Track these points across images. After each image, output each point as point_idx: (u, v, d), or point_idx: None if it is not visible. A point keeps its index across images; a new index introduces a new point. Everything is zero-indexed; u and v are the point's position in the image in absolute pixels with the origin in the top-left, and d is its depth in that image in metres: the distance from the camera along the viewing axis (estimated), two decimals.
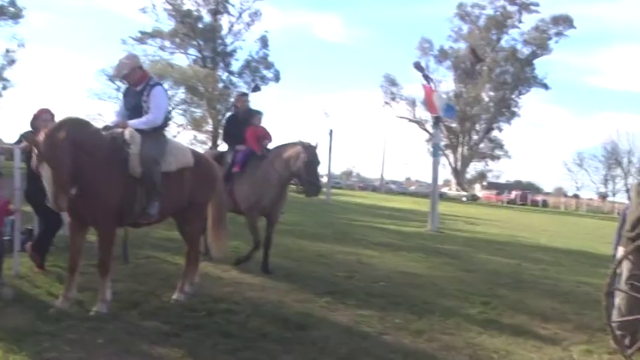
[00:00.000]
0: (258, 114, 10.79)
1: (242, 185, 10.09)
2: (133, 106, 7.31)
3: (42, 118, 8.57)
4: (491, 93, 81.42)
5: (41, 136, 6.20)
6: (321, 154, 10.18)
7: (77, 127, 6.50)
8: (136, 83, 7.37)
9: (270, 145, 10.52)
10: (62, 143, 6.12)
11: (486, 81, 79.57)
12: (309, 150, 9.78)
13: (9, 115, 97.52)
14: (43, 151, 6.08)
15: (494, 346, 6.93)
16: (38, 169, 6.14)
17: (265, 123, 10.90)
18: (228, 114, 11.90)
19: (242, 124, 10.58)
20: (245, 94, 11.30)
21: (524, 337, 7.41)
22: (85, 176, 6.29)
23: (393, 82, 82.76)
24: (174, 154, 7.37)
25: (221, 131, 70.14)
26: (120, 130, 6.98)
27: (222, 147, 12.56)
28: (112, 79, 60.53)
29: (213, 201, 8.18)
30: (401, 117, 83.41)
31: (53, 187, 6.04)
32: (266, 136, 10.62)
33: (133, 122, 7.10)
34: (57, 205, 6.10)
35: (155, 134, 7.21)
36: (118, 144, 6.81)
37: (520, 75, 79.32)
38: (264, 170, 10.03)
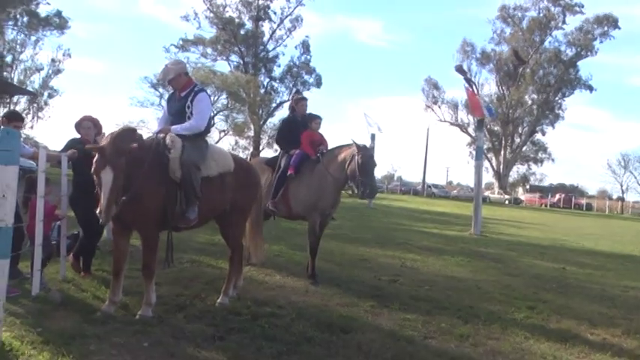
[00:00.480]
0: (317, 118, 10.50)
1: (297, 188, 9.88)
2: (177, 111, 7.36)
3: (83, 125, 8.70)
4: (535, 95, 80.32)
5: (106, 142, 6.28)
6: (377, 156, 9.96)
7: (130, 134, 6.59)
8: (181, 89, 7.41)
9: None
10: (124, 150, 6.20)
11: (529, 83, 78.56)
12: (365, 151, 9.53)
13: (55, 123, 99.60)
14: (108, 156, 6.13)
15: (542, 351, 6.79)
16: (99, 174, 6.16)
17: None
18: (283, 117, 11.54)
19: (299, 128, 10.30)
20: (304, 98, 10.90)
21: (571, 342, 7.23)
22: (130, 180, 6.34)
23: (434, 86, 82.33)
24: (215, 159, 7.40)
25: (263, 137, 70.30)
26: (162, 135, 7.04)
27: (265, 153, 12.49)
28: (154, 86, 61.40)
29: (252, 207, 8.21)
30: (443, 120, 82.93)
31: (110, 194, 6.09)
32: (322, 142, 10.34)
33: (175, 127, 7.15)
34: (107, 214, 6.12)
35: (196, 139, 7.25)
36: (160, 148, 6.87)
37: (564, 77, 78.11)
38: (319, 174, 9.80)
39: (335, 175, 9.68)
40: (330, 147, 10.24)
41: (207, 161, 7.24)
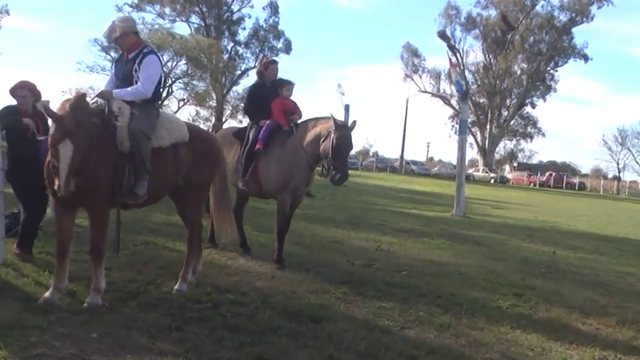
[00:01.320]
0: (288, 84, 10.27)
1: (267, 164, 9.71)
2: (124, 74, 7.24)
3: (18, 93, 8.49)
4: (524, 65, 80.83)
5: (64, 112, 6.18)
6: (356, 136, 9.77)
7: (85, 102, 6.48)
8: (129, 50, 7.30)
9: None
10: (82, 120, 6.13)
11: (519, 51, 78.93)
12: (342, 130, 9.23)
13: None
14: (66, 127, 6.05)
15: (529, 342, 6.86)
16: (57, 146, 6.04)
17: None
18: (251, 83, 11.28)
19: (268, 96, 10.12)
20: (274, 61, 10.69)
21: (561, 332, 7.32)
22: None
23: (414, 53, 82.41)
24: (167, 128, 7.32)
25: (226, 107, 70.14)
26: (103, 101, 6.94)
27: (229, 124, 12.35)
28: (105, 49, 60.58)
29: (215, 181, 8.16)
30: (423, 91, 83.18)
31: (69, 168, 6.03)
32: (295, 110, 10.18)
33: (118, 92, 7.03)
34: (66, 189, 6.04)
35: (146, 106, 7.15)
36: (106, 116, 6.79)
37: (556, 45, 78.58)
38: (291, 148, 9.66)
39: (309, 151, 9.56)
40: (304, 118, 10.12)
41: (158, 131, 7.16)
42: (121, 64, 7.39)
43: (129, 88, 7.07)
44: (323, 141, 9.37)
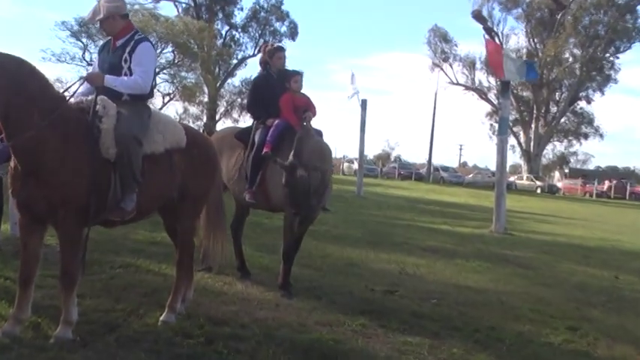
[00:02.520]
0: (295, 75, 10.27)
1: (277, 172, 9.58)
2: (110, 66, 7.23)
3: None
4: (577, 51, 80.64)
5: None
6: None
7: (18, 67, 6.36)
8: (117, 36, 7.30)
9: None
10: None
11: (570, 34, 78.76)
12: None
13: None
14: None
15: None
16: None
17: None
18: (255, 75, 11.22)
19: (276, 90, 10.11)
20: (281, 48, 10.70)
21: None
22: (41, 155, 6.27)
23: (444, 38, 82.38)
24: (161, 131, 7.31)
25: (220, 103, 70.25)
26: (89, 98, 6.92)
27: (222, 124, 12.36)
28: (76, 34, 60.77)
29: (209, 194, 8.20)
30: (454, 83, 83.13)
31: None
32: (309, 106, 10.18)
33: (112, 79, 7.00)
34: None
35: (135, 105, 7.15)
36: (88, 116, 6.76)
37: (617, 26, 78.20)
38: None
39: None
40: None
41: (151, 134, 7.16)
42: (107, 53, 7.38)
43: (124, 78, 7.07)
44: None
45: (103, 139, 6.68)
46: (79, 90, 7.14)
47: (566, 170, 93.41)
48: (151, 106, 7.81)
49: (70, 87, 7.14)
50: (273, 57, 10.40)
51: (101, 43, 7.81)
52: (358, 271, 11.88)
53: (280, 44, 10.82)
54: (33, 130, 6.15)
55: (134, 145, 6.83)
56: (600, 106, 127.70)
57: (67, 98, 6.87)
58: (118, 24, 7.29)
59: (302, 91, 10.35)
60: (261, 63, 10.58)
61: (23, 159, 6.28)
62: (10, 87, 6.07)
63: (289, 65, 10.57)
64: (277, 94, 10.07)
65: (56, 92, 6.80)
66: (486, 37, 26.15)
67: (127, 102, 7.05)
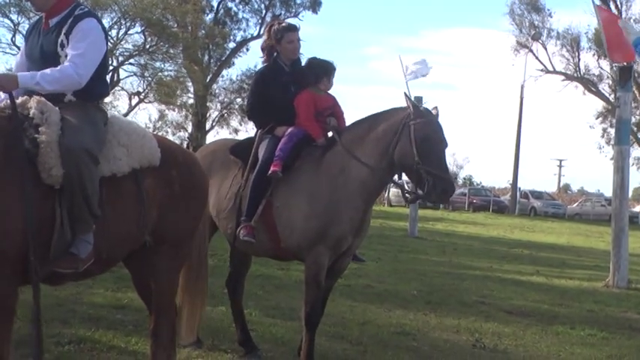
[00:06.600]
0: (327, 69, 10.19)
1: (290, 200, 9.57)
2: (43, 53, 7.22)
3: None
4: None
5: None
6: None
7: None
8: (50, 13, 7.27)
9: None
10: None
11: None
12: (428, 117, 9.35)
13: None
14: None
15: None
16: None
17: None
18: (260, 67, 11.01)
19: (287, 87, 10.07)
20: (294, 27, 10.38)
21: None
22: None
23: (533, 6, 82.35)
24: (123, 144, 7.28)
25: (211, 105, 70.84)
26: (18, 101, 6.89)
27: (212, 136, 12.33)
28: (2, 9, 61.36)
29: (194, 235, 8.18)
30: (549, 71, 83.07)
31: None
32: (335, 111, 10.20)
33: (28, 76, 6.90)
34: None
35: (85, 108, 7.11)
36: (18, 125, 6.68)
37: None
38: (334, 169, 9.57)
39: (371, 164, 9.48)
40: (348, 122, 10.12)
41: (110, 148, 7.13)
42: (37, 36, 7.35)
43: (47, 70, 6.93)
44: (397, 142, 9.31)
45: (43, 156, 6.62)
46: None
47: None
48: (111, 110, 7.79)
49: None
50: (282, 40, 10.15)
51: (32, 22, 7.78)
52: (413, 345, 11.81)
53: (291, 23, 10.38)
54: None
55: (87, 163, 6.74)
56: None
57: None
58: None
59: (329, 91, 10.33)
60: (264, 49, 10.37)
61: None
62: None
63: (309, 51, 10.48)
64: (290, 94, 10.03)
65: None
66: (598, 3, 25.95)
67: (73, 104, 7.03)
